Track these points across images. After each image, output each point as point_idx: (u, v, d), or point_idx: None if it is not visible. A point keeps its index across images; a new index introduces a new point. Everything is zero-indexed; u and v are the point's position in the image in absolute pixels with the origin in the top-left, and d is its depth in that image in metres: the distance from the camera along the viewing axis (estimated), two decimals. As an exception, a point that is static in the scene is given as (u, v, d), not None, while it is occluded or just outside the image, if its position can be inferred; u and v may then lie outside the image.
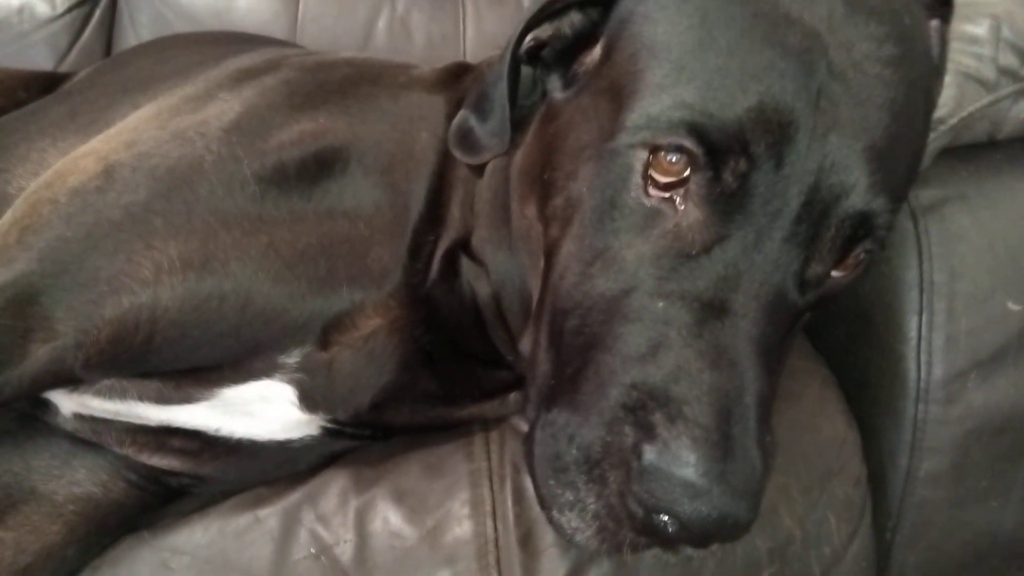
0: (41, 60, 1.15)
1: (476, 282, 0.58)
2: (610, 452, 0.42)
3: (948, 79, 0.55)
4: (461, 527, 0.56)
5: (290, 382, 0.55)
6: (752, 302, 0.43)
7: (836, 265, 0.46)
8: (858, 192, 0.44)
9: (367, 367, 0.56)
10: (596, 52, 0.51)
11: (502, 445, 0.60)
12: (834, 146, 0.43)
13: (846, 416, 0.62)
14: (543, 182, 0.51)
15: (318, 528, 0.55)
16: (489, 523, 0.56)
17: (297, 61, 0.65)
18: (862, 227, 0.45)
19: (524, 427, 0.59)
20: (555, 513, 0.45)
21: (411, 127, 0.58)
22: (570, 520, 0.44)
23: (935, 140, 0.56)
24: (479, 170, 0.58)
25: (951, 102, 0.56)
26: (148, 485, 0.58)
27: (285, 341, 0.54)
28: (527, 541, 0.55)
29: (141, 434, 0.57)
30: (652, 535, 0.42)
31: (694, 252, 0.44)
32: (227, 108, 0.56)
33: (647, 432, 0.41)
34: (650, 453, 0.40)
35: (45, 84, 0.91)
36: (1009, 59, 0.58)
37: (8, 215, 0.54)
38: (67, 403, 0.57)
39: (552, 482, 0.45)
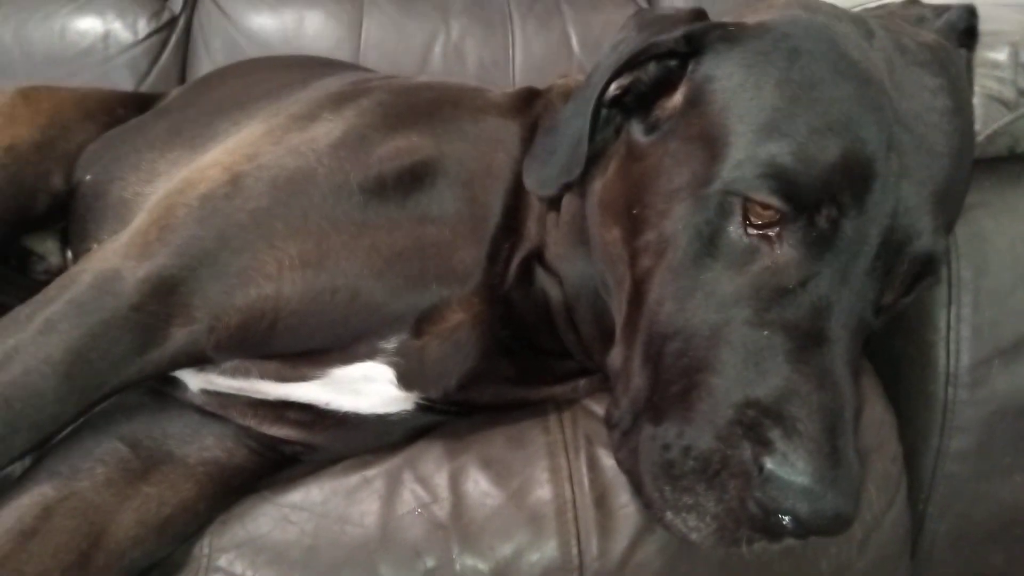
0: (123, 81, 1.26)
1: (550, 290, 0.66)
2: (729, 463, 0.48)
3: (975, 100, 0.63)
4: (542, 490, 0.64)
5: (389, 364, 0.64)
6: (843, 330, 0.50)
7: (904, 295, 0.54)
8: (926, 235, 0.51)
9: (453, 354, 0.64)
10: (677, 99, 0.57)
11: (574, 422, 0.69)
12: (905, 192, 0.50)
13: (883, 401, 0.69)
14: (631, 216, 0.57)
15: (418, 488, 0.64)
16: (567, 487, 0.64)
17: (386, 84, 0.75)
18: (928, 266, 0.53)
19: (598, 410, 0.68)
20: (669, 514, 0.51)
21: (489, 148, 0.66)
22: (687, 521, 0.50)
23: None
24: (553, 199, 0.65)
25: (978, 121, 0.64)
26: (266, 452, 0.67)
27: (384, 329, 0.62)
28: (601, 502, 0.63)
29: (261, 407, 0.66)
30: (768, 532, 0.48)
31: (790, 286, 0.50)
32: (333, 127, 0.65)
33: (766, 446, 0.47)
34: (771, 463, 0.46)
35: (138, 102, 1.02)
36: (1027, 81, 0.66)
37: (145, 216, 0.63)
38: (194, 381, 0.66)
39: (667, 488, 0.51)
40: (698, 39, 0.55)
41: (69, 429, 0.61)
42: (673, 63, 0.57)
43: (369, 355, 0.63)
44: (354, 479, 0.64)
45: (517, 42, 1.33)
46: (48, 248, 0.92)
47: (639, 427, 0.54)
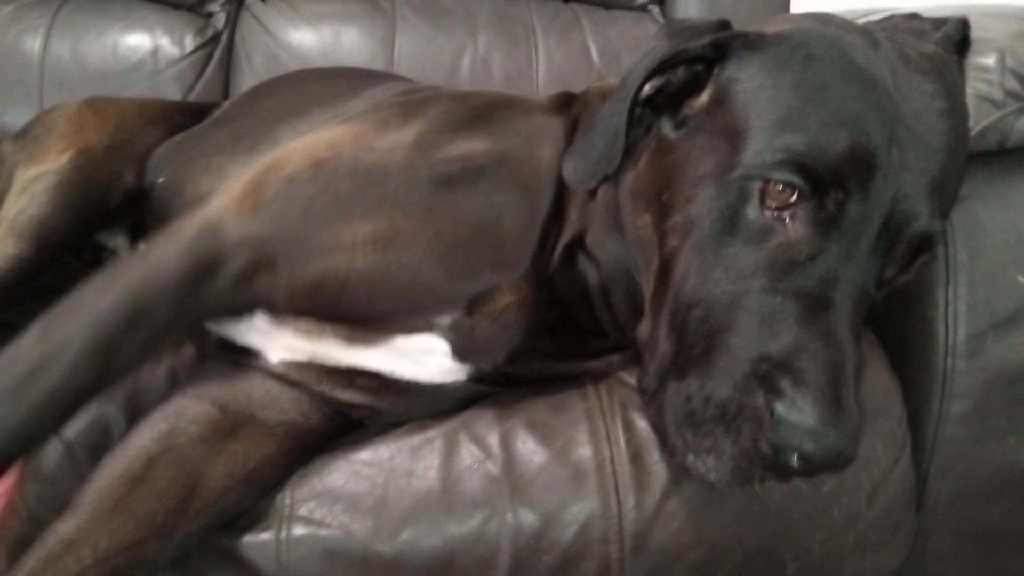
0: (171, 93, 1.36)
1: (589, 273, 0.74)
2: (744, 408, 0.55)
3: (967, 100, 0.72)
4: (583, 449, 0.72)
5: (444, 338, 0.73)
6: (847, 299, 0.57)
7: (903, 271, 0.62)
8: (924, 218, 0.59)
9: (501, 333, 0.73)
10: (703, 99, 0.65)
11: (610, 391, 0.77)
12: (905, 181, 0.58)
13: (888, 370, 0.78)
14: (661, 202, 0.65)
15: (473, 447, 0.72)
16: (605, 446, 0.73)
17: (445, 94, 0.84)
18: (925, 244, 0.61)
19: (631, 381, 0.76)
20: (691, 457, 0.58)
21: (538, 143, 0.74)
22: (706, 463, 0.57)
23: None
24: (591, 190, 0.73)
25: (970, 119, 0.72)
26: (336, 416, 0.76)
27: (440, 306, 0.71)
28: (636, 459, 0.71)
29: (335, 374, 0.75)
30: (778, 471, 0.55)
31: (801, 260, 0.58)
32: (405, 132, 0.74)
33: (777, 393, 0.54)
34: (781, 408, 0.53)
35: (192, 110, 1.12)
36: (1012, 83, 0.75)
37: (238, 189, 0.73)
38: (275, 353, 0.76)
39: (689, 434, 0.58)
40: (724, 46, 0.64)
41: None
42: (700, 67, 0.65)
43: (426, 328, 0.72)
44: (417, 439, 0.73)
45: (540, 54, 1.43)
46: (118, 243, 1.01)
47: (665, 386, 0.62)
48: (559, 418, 0.75)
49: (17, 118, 1.31)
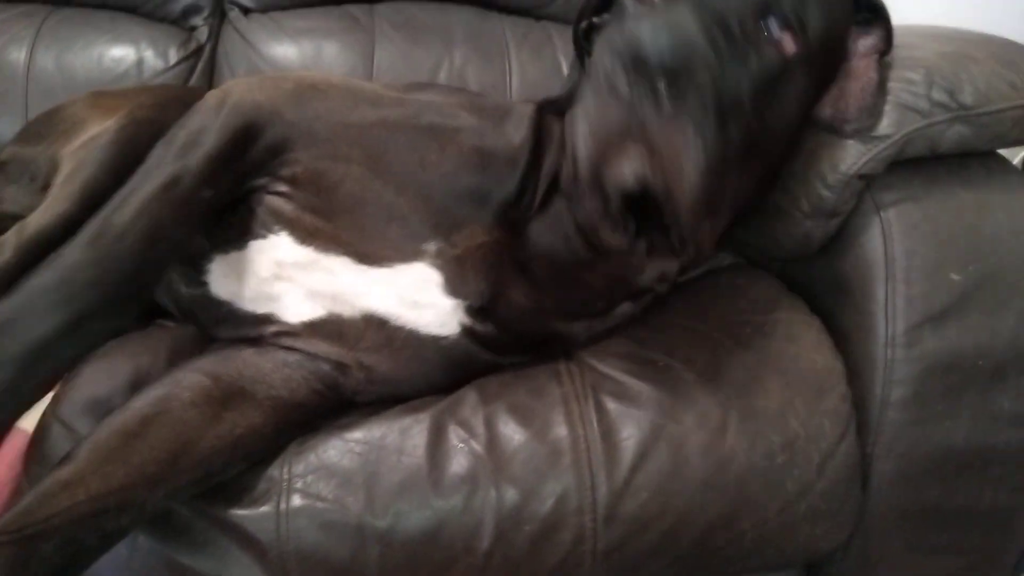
0: (156, 104, 1.41)
1: (564, 209, 0.83)
2: None
3: (889, 108, 0.81)
4: (559, 429, 0.79)
5: (435, 267, 0.81)
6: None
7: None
8: None
9: (482, 266, 0.81)
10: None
11: (583, 377, 0.84)
12: None
13: (834, 352, 0.86)
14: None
15: (459, 429, 0.79)
16: (579, 426, 0.80)
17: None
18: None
19: (601, 367, 0.85)
20: None
21: (520, 115, 0.87)
22: None
23: (884, 150, 0.82)
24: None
25: (893, 125, 0.81)
26: (326, 391, 0.83)
27: (424, 231, 0.80)
28: (607, 437, 0.79)
29: (347, 331, 0.83)
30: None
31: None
32: (406, 90, 0.89)
33: None
34: None
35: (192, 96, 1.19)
36: (941, 96, 0.84)
37: (283, 79, 0.85)
38: (294, 310, 0.84)
39: None
40: None
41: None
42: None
43: (417, 255, 0.81)
44: (407, 420, 0.80)
45: (513, 68, 1.51)
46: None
47: None
48: (537, 401, 0.82)
49: (2, 128, 1.37)
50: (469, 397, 0.82)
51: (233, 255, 0.85)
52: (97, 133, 0.92)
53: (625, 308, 0.92)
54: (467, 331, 0.84)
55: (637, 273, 0.88)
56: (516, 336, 0.86)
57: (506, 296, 0.83)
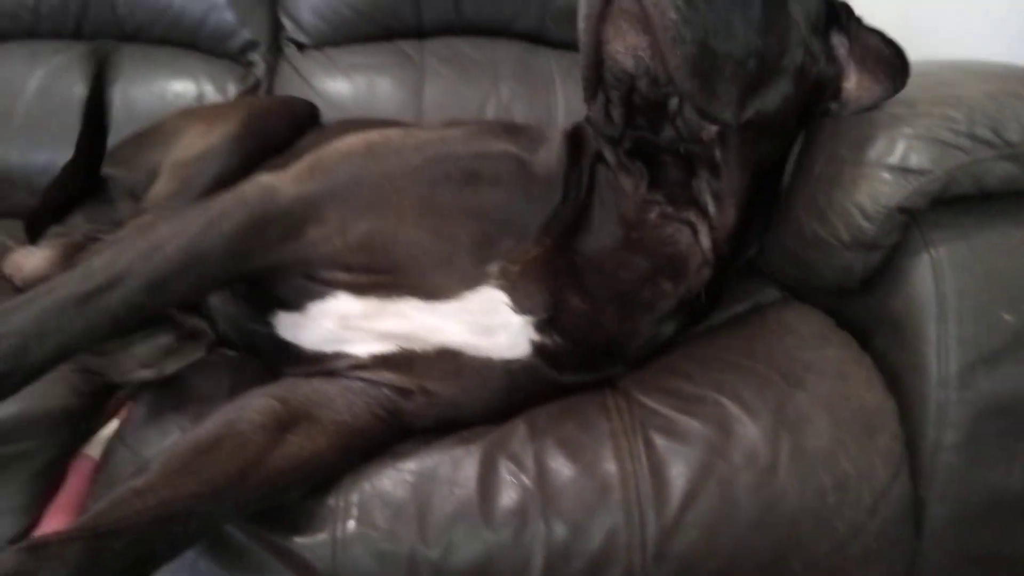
0: (214, 137, 1.47)
1: (608, 181, 0.87)
2: None
3: (927, 144, 0.83)
4: (609, 464, 0.80)
5: (499, 288, 0.84)
6: None
7: None
8: None
9: (543, 276, 0.85)
10: None
11: (631, 412, 0.86)
12: None
13: (884, 389, 0.86)
14: None
15: (509, 462, 0.81)
16: (628, 462, 0.81)
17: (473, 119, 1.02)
18: None
19: (650, 403, 0.86)
20: None
21: (551, 142, 0.90)
22: None
23: (925, 185, 0.83)
24: None
25: (932, 161, 0.82)
26: (388, 418, 0.85)
27: (485, 255, 0.84)
28: (656, 474, 0.80)
29: (418, 360, 0.85)
30: None
31: None
32: (446, 130, 0.91)
33: None
34: None
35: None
36: (985, 133, 0.84)
37: (297, 164, 0.87)
38: (363, 345, 0.87)
39: None
40: None
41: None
42: None
43: (482, 279, 0.84)
44: (458, 451, 0.81)
45: (560, 102, 1.54)
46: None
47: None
48: (586, 436, 0.83)
49: (65, 159, 1.43)
50: (519, 430, 0.84)
51: (295, 314, 0.89)
52: (215, 132, 1.07)
53: (667, 288, 0.90)
54: (537, 348, 0.86)
55: (673, 245, 0.88)
56: (579, 346, 0.88)
57: (566, 302, 0.86)
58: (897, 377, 0.90)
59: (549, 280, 0.85)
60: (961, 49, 1.09)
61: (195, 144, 1.10)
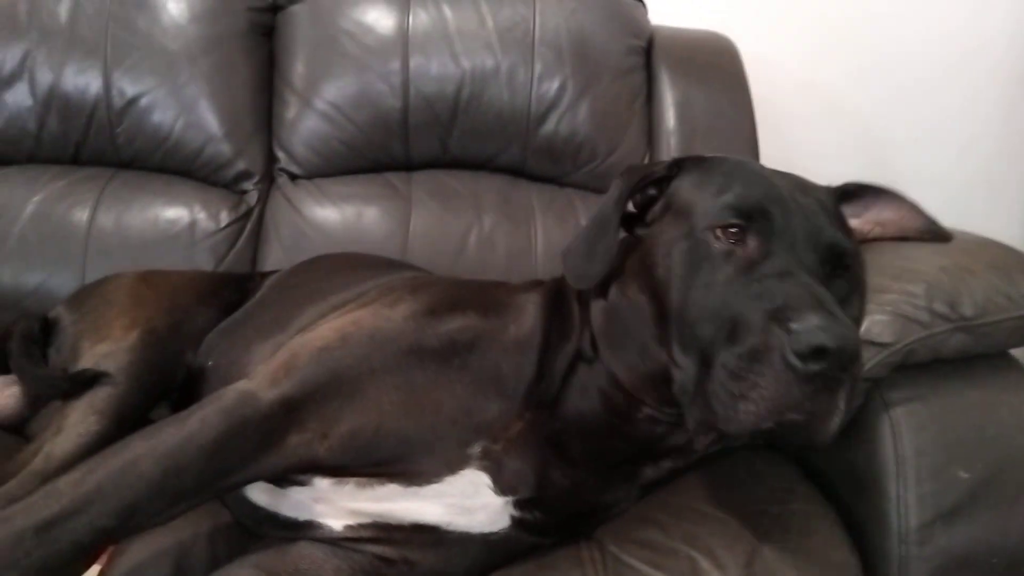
0: (205, 262, 1.51)
1: (590, 376, 0.89)
2: (770, 341, 0.70)
3: (888, 318, 0.89)
4: (584, 623, 0.83)
5: (483, 470, 0.86)
6: (804, 271, 0.76)
7: (836, 270, 0.82)
8: (828, 229, 0.82)
9: (525, 454, 0.87)
10: (659, 207, 0.90)
11: (604, 566, 0.89)
12: (807, 215, 0.82)
13: (850, 547, 0.90)
14: (644, 267, 0.86)
15: (486, 621, 0.83)
16: (603, 621, 0.83)
17: (445, 279, 1.05)
18: (840, 253, 0.82)
19: (626, 558, 0.89)
20: (740, 407, 0.71)
21: (523, 307, 0.94)
22: (753, 400, 0.70)
23: (887, 357, 0.89)
24: (584, 304, 0.93)
25: (893, 334, 0.89)
26: None
27: (467, 437, 0.86)
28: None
29: (396, 531, 0.87)
30: (808, 379, 0.68)
31: (759, 259, 0.78)
32: (414, 304, 0.92)
33: (788, 320, 0.70)
34: (795, 324, 0.69)
35: (237, 284, 1.28)
36: (943, 308, 0.91)
37: (272, 362, 0.88)
38: (338, 520, 0.88)
39: (733, 386, 0.72)
40: (680, 164, 0.91)
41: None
42: (653, 191, 0.91)
43: (464, 462, 0.86)
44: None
45: (539, 233, 1.60)
46: (161, 415, 1.12)
47: (703, 388, 0.76)
48: (562, 595, 0.86)
49: (61, 283, 1.47)
50: (496, 589, 0.86)
51: (273, 487, 0.91)
52: (118, 348, 1.02)
53: (647, 472, 0.96)
54: (517, 522, 0.89)
55: (662, 437, 0.92)
56: (560, 516, 0.90)
57: (549, 479, 0.88)
58: (861, 530, 0.94)
59: (532, 457, 0.87)
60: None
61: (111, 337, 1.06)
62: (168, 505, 0.76)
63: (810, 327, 0.68)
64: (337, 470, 0.85)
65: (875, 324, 0.90)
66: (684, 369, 0.79)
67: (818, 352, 0.68)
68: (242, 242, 1.56)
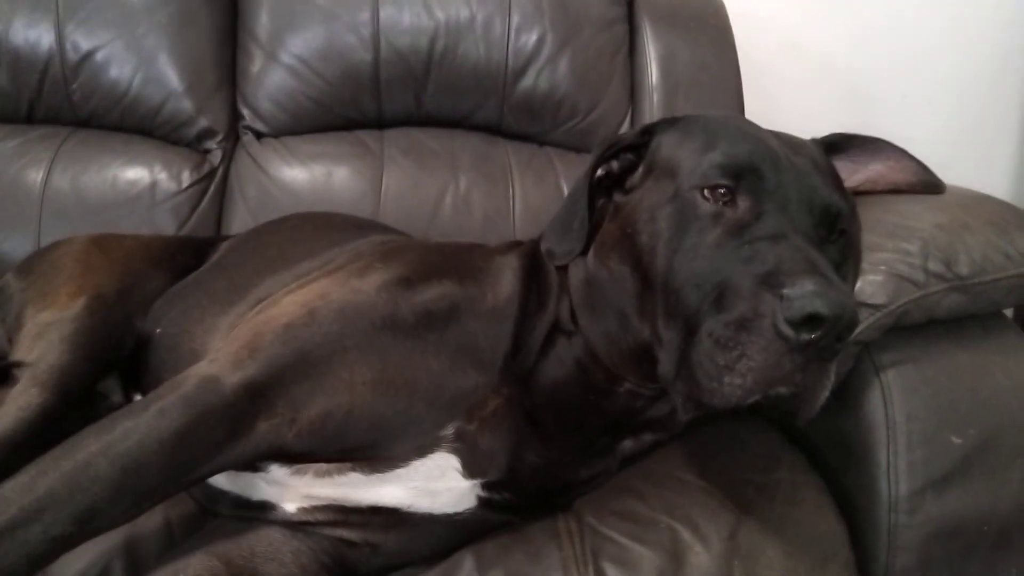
0: (167, 225, 1.45)
1: (568, 348, 0.84)
2: (759, 307, 0.65)
3: (882, 278, 0.85)
4: (559, 598, 0.79)
5: (453, 452, 0.81)
6: (798, 234, 0.71)
7: (831, 235, 0.77)
8: (822, 189, 0.76)
9: (499, 433, 0.82)
10: (639, 171, 0.85)
11: (582, 538, 0.84)
12: (800, 174, 0.76)
13: (837, 516, 0.87)
14: (625, 235, 0.80)
15: (455, 598, 0.79)
16: (579, 594, 0.79)
17: (418, 243, 0.96)
18: (836, 215, 0.76)
19: (604, 530, 0.85)
20: (727, 379, 0.66)
21: (501, 273, 0.88)
22: (741, 372, 0.65)
23: (880, 319, 0.84)
24: (563, 269, 0.87)
25: (887, 295, 0.84)
26: (333, 566, 0.82)
27: (442, 416, 0.80)
28: (607, 608, 0.78)
29: (352, 513, 0.82)
30: (800, 348, 0.63)
31: (750, 221, 0.73)
32: (386, 273, 0.85)
33: (780, 286, 0.64)
34: (788, 290, 0.63)
35: (195, 249, 1.20)
36: (938, 267, 0.87)
37: (235, 340, 0.80)
38: (292, 503, 0.82)
39: (720, 356, 0.66)
40: (651, 130, 0.85)
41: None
42: (631, 156, 0.86)
43: (435, 445, 0.80)
44: (408, 589, 0.79)
45: (517, 193, 1.54)
46: (110, 387, 1.05)
47: (687, 357, 0.70)
48: (536, 567, 0.81)
49: (15, 247, 1.40)
50: (465, 564, 0.82)
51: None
52: (63, 316, 0.94)
53: (627, 446, 0.92)
54: (484, 502, 0.84)
55: (643, 410, 0.88)
56: (530, 496, 0.86)
57: (521, 460, 0.83)
58: (848, 499, 0.90)
59: (506, 437, 0.82)
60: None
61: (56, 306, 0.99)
62: (130, 506, 0.69)
63: (804, 292, 0.63)
64: (301, 456, 0.80)
65: (868, 284, 0.85)
66: (668, 345, 0.74)
67: (812, 320, 0.62)
68: (205, 204, 1.49)
